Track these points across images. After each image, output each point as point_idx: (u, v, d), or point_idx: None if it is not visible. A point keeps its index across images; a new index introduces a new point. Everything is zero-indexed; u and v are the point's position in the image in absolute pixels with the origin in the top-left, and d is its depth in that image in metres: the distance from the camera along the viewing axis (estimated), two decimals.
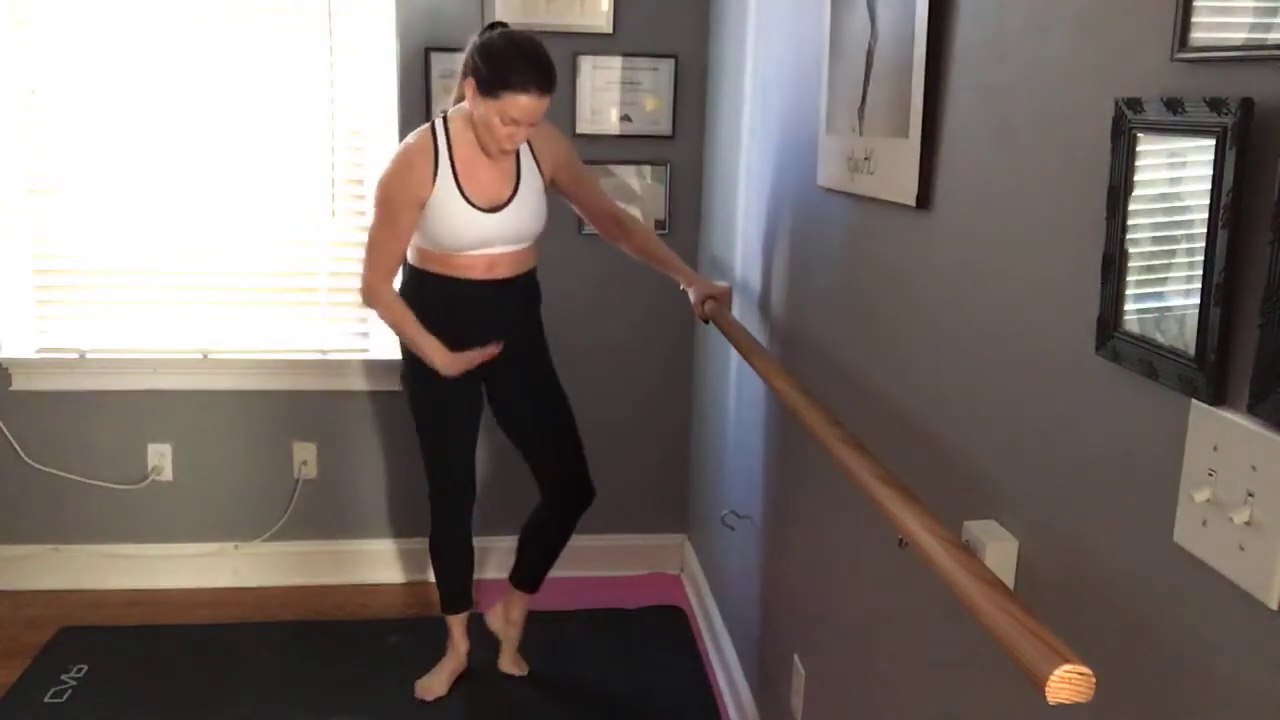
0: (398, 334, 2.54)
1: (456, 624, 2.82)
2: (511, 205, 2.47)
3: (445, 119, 2.48)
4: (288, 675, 2.86)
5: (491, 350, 2.50)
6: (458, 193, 2.42)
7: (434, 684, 2.77)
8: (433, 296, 2.52)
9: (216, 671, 2.87)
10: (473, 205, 2.43)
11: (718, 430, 3.06)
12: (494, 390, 2.69)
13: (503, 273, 2.53)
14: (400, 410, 3.32)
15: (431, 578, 3.39)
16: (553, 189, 2.61)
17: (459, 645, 2.82)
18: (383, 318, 2.53)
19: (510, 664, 2.87)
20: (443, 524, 2.73)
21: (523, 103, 2.30)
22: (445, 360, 2.47)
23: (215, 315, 3.25)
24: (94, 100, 3.09)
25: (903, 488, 1.34)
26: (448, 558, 2.77)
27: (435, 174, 2.41)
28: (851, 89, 1.75)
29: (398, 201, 2.42)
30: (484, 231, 2.46)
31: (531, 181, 2.52)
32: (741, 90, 2.71)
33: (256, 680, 2.83)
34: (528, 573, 2.83)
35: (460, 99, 2.47)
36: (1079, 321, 1.08)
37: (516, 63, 2.29)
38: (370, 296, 2.50)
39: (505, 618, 2.88)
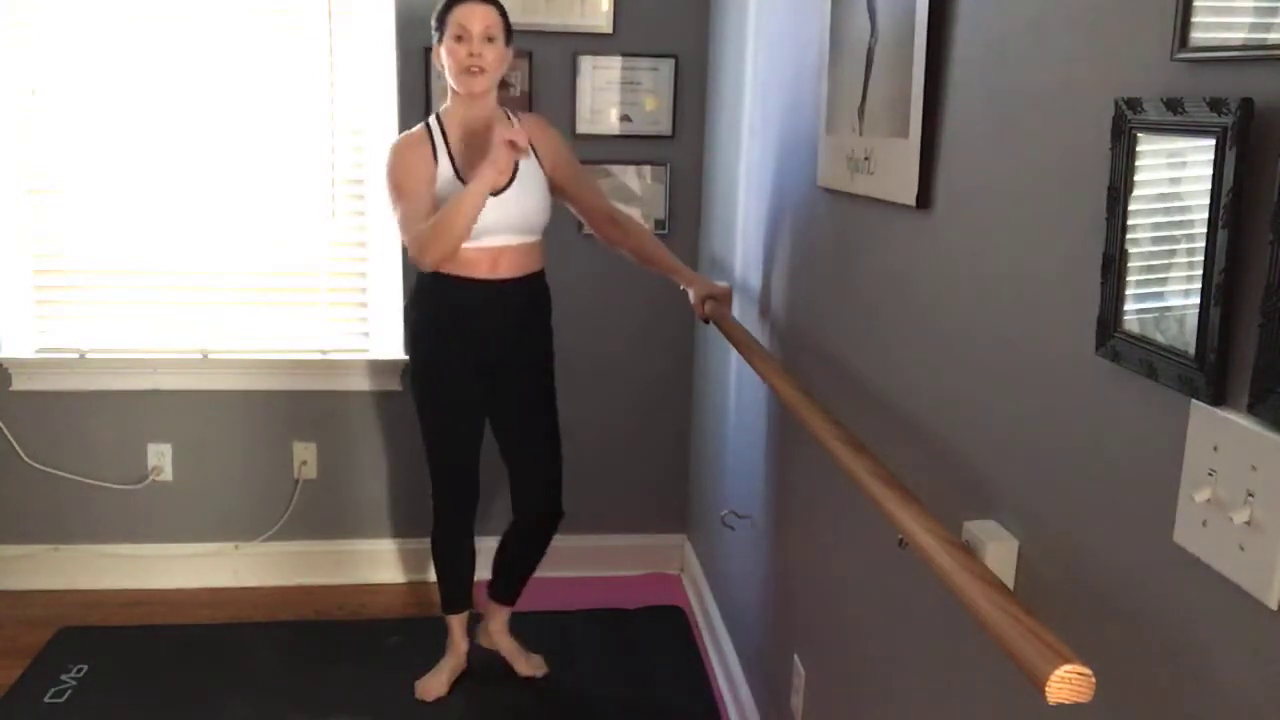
0: (459, 221, 2.32)
1: (456, 624, 2.82)
2: (510, 190, 2.46)
3: (437, 115, 2.52)
4: (288, 675, 2.85)
5: (516, 139, 2.28)
6: (455, 176, 2.44)
7: (434, 684, 2.77)
8: (440, 297, 2.53)
9: (216, 671, 2.86)
10: None
11: (718, 430, 3.06)
12: (496, 393, 2.68)
13: (506, 271, 2.52)
14: (400, 410, 3.33)
15: (431, 577, 3.41)
16: (553, 188, 2.60)
17: (459, 645, 2.82)
18: (442, 243, 2.34)
19: (525, 667, 2.85)
20: (443, 526, 2.73)
21: (464, 11, 2.37)
22: (489, 173, 2.29)
23: (215, 315, 3.25)
24: (94, 100, 3.09)
25: (902, 488, 1.34)
26: (448, 559, 2.77)
27: (435, 157, 2.45)
28: (851, 89, 1.75)
29: (408, 181, 2.42)
30: (484, 217, 2.44)
31: (530, 170, 2.51)
32: (741, 90, 2.71)
33: (256, 680, 2.83)
34: (504, 587, 2.85)
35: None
36: (1079, 321, 1.08)
37: None
38: (421, 252, 2.37)
39: (487, 630, 2.89)
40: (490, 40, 2.39)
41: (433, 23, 2.44)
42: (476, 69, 2.39)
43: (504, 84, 2.55)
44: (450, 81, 2.44)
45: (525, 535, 2.78)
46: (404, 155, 2.45)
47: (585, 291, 3.25)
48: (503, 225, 2.47)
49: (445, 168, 2.45)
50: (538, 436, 2.71)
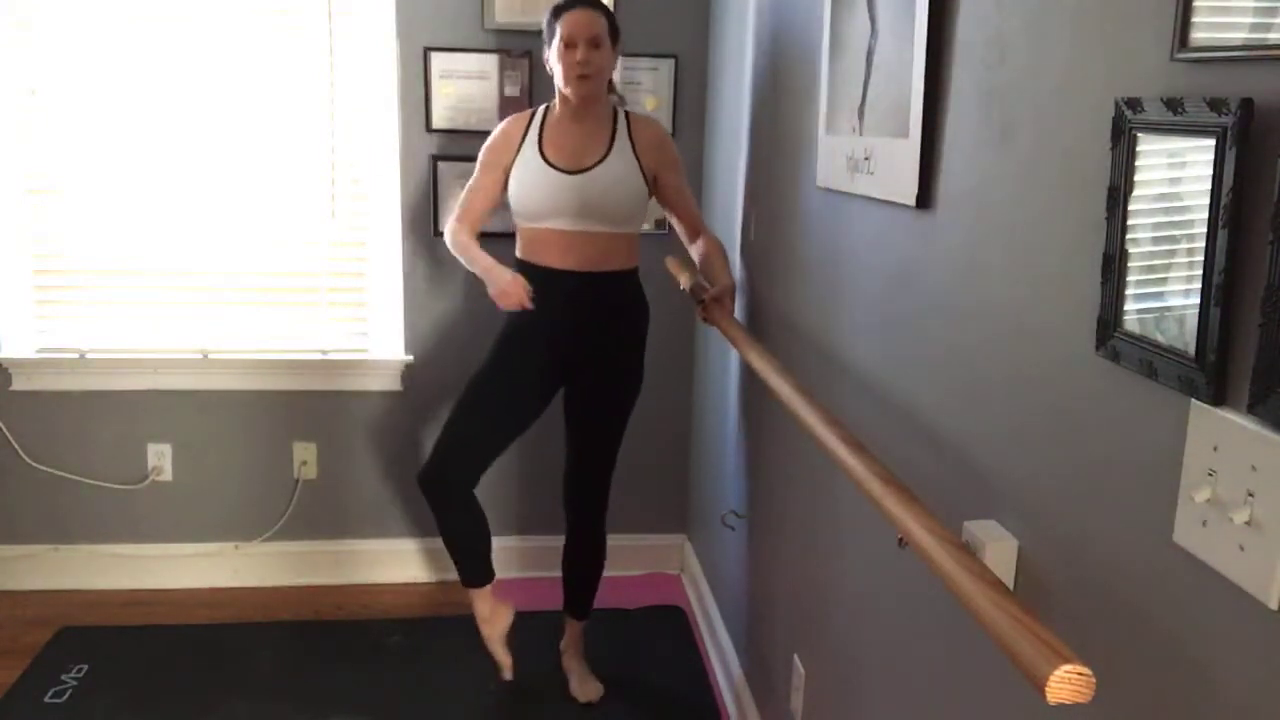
0: (463, 260, 2.63)
1: (473, 598, 2.75)
2: (590, 172, 2.50)
3: (549, 105, 2.61)
4: (288, 675, 2.85)
5: (524, 299, 2.48)
6: (537, 150, 2.54)
7: (499, 664, 2.79)
8: None
9: (216, 671, 2.86)
10: (549, 164, 2.51)
11: (718, 430, 3.05)
12: (569, 395, 2.69)
13: (575, 264, 2.53)
14: (400, 410, 3.33)
15: (432, 578, 3.42)
16: (654, 191, 2.62)
17: (478, 616, 2.76)
18: (453, 252, 2.65)
19: (577, 690, 2.81)
20: (426, 467, 2.67)
21: (572, 18, 2.42)
22: (501, 278, 2.50)
23: (215, 315, 3.25)
24: (94, 100, 3.09)
25: (903, 488, 1.34)
26: (442, 531, 2.71)
27: (524, 137, 2.57)
28: (851, 89, 1.75)
29: (486, 156, 2.63)
30: (554, 190, 2.49)
31: (622, 160, 2.53)
32: (741, 90, 2.71)
33: (256, 680, 2.83)
34: (565, 599, 2.86)
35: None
36: (1079, 321, 1.08)
37: None
38: (448, 230, 2.66)
39: (561, 647, 2.89)
40: (596, 47, 2.44)
41: (543, 29, 2.50)
42: (585, 74, 2.45)
43: (610, 87, 2.58)
44: (560, 85, 2.49)
45: (568, 541, 2.81)
46: (501, 130, 2.63)
47: None
48: (571, 206, 2.50)
49: (530, 146, 2.54)
50: (585, 442, 2.70)
